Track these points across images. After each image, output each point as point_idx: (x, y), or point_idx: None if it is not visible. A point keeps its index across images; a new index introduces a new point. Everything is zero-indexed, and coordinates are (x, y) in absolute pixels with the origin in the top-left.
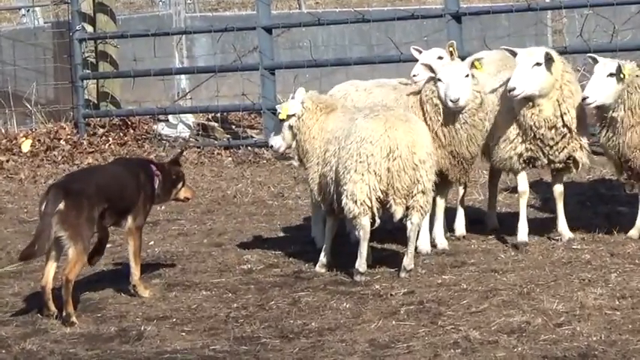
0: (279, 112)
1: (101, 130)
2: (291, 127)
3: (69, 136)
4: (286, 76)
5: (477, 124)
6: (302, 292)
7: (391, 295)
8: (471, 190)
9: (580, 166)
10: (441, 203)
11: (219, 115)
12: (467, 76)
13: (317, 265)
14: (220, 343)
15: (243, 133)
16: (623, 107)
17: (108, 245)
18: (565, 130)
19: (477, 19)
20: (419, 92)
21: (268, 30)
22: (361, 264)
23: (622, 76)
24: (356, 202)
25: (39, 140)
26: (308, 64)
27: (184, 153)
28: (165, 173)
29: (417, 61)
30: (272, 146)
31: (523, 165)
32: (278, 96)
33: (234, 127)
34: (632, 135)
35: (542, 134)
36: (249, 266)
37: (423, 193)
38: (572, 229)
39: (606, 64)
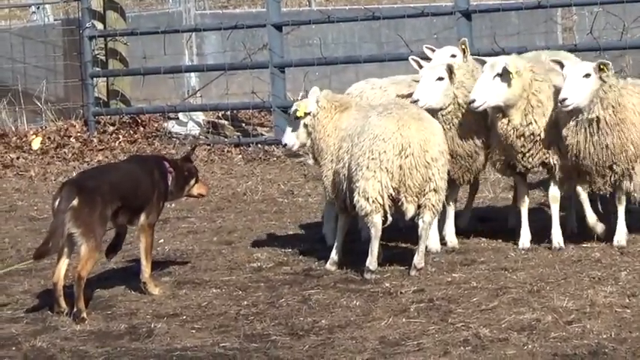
0: (297, 110)
1: (111, 128)
2: (306, 126)
3: (79, 134)
4: (296, 73)
5: (464, 122)
6: (312, 290)
7: (401, 292)
8: (481, 187)
9: (557, 170)
10: (451, 202)
11: (229, 112)
12: (439, 79)
13: (327, 262)
14: (230, 340)
15: (253, 131)
16: (601, 106)
17: None
18: (534, 137)
19: (487, 17)
20: None
21: (278, 27)
22: (372, 262)
23: (601, 75)
24: (368, 199)
25: (49, 138)
26: (318, 61)
27: (195, 150)
28: (179, 170)
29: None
30: (285, 144)
31: (509, 171)
32: (288, 94)
33: (244, 124)
34: (619, 134)
35: (512, 142)
36: (259, 264)
37: (435, 191)
38: (581, 227)
39: (579, 65)
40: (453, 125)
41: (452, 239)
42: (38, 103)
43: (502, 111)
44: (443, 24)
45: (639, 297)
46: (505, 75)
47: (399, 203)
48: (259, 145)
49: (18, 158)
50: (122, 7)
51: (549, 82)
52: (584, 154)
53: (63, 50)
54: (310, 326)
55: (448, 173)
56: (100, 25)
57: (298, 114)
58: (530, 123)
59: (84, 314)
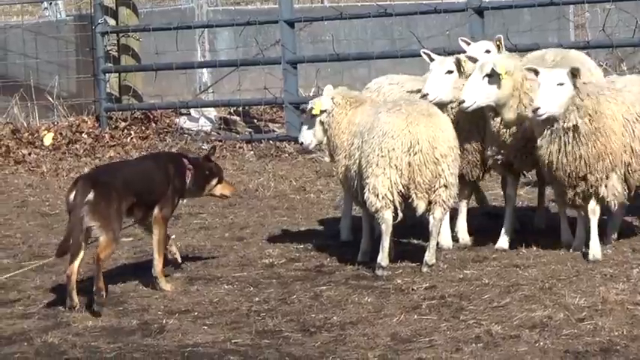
0: (313, 108)
1: (123, 124)
2: (322, 123)
3: (91, 130)
4: (308, 70)
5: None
6: (324, 286)
7: (413, 289)
8: (492, 184)
9: None
10: (463, 198)
11: (241, 108)
12: (448, 72)
13: (359, 255)
14: (242, 336)
15: (265, 127)
16: (577, 115)
17: (129, 239)
18: (526, 135)
19: (499, 14)
20: None
21: (291, 24)
22: (383, 258)
23: (575, 82)
24: (377, 195)
25: (61, 133)
26: (330, 58)
27: (216, 150)
28: (199, 168)
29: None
30: (302, 143)
31: (503, 170)
32: (300, 90)
33: (256, 120)
34: (594, 143)
35: (505, 140)
36: (270, 260)
37: (446, 187)
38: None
39: (553, 73)
40: (462, 119)
41: (464, 236)
42: (50, 99)
43: (494, 110)
44: (455, 21)
45: None
46: (494, 75)
47: (410, 200)
48: (271, 142)
49: (30, 154)
50: (134, 3)
51: None
52: (557, 164)
53: (75, 46)
54: (322, 323)
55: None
56: (112, 21)
57: (314, 112)
58: (523, 122)
59: (104, 293)
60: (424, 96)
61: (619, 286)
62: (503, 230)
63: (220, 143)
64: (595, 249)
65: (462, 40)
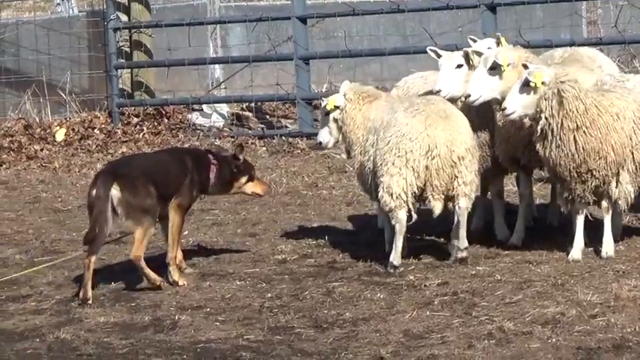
0: (326, 104)
1: (135, 120)
2: (336, 120)
3: (103, 126)
4: (320, 66)
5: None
6: (336, 283)
7: (425, 285)
8: (507, 180)
9: None
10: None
11: (253, 104)
12: (458, 66)
13: (386, 245)
14: (254, 332)
15: (278, 123)
16: (550, 112)
17: None
18: (532, 131)
19: (511, 10)
20: None
21: (303, 20)
22: (396, 257)
23: (533, 84)
24: (392, 195)
25: (73, 129)
26: (342, 54)
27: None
28: (224, 165)
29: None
30: (320, 142)
31: (512, 166)
32: (312, 86)
33: (268, 116)
34: (588, 138)
35: (511, 135)
36: (283, 256)
37: (465, 184)
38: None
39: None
40: (474, 112)
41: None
42: (62, 95)
43: (500, 103)
44: (468, 17)
45: None
46: (497, 68)
47: (427, 201)
48: (283, 138)
49: (42, 150)
50: None
51: None
52: (556, 161)
53: (87, 42)
54: (334, 319)
55: None
56: (124, 17)
57: (328, 108)
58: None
59: (159, 283)
60: (437, 92)
61: (632, 282)
62: (516, 227)
63: (232, 139)
64: (608, 245)
65: (470, 38)
